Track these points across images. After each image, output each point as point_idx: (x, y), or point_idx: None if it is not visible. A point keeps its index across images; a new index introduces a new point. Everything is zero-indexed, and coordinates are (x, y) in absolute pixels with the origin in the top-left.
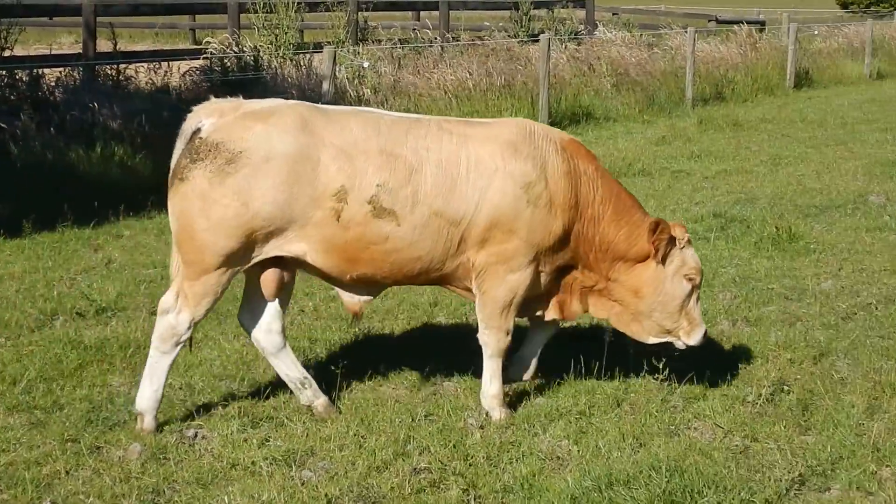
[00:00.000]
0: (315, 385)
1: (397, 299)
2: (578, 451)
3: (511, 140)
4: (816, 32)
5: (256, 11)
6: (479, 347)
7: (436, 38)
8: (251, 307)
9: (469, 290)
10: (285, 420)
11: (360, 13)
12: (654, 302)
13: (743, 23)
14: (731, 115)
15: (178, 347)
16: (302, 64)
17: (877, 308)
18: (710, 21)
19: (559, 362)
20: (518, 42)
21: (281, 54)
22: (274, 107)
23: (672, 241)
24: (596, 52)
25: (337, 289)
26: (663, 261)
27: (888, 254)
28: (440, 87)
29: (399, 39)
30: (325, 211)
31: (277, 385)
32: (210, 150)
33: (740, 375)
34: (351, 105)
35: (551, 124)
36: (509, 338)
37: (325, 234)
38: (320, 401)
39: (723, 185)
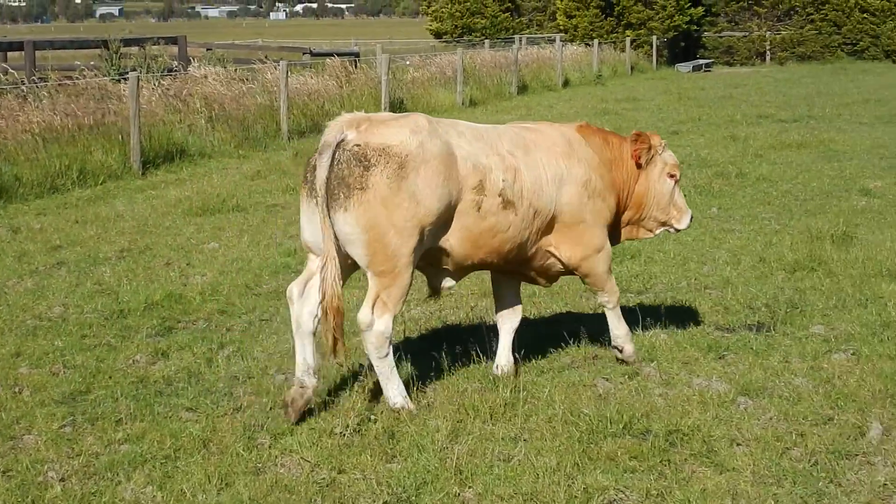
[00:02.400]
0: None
1: None
2: (163, 496)
3: (564, 151)
4: (408, 63)
5: None
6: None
7: (22, 80)
8: (307, 286)
9: (538, 273)
10: None
11: None
12: (651, 205)
13: (336, 55)
14: None
15: (391, 345)
16: None
17: (465, 332)
18: (304, 54)
19: (141, 406)
20: (110, 80)
21: None
22: (404, 115)
23: (650, 148)
24: (189, 87)
25: (427, 274)
26: (647, 166)
27: (476, 276)
28: (27, 129)
29: None
30: (467, 203)
31: None
32: (381, 155)
33: (328, 407)
34: None
35: (143, 163)
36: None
37: (466, 223)
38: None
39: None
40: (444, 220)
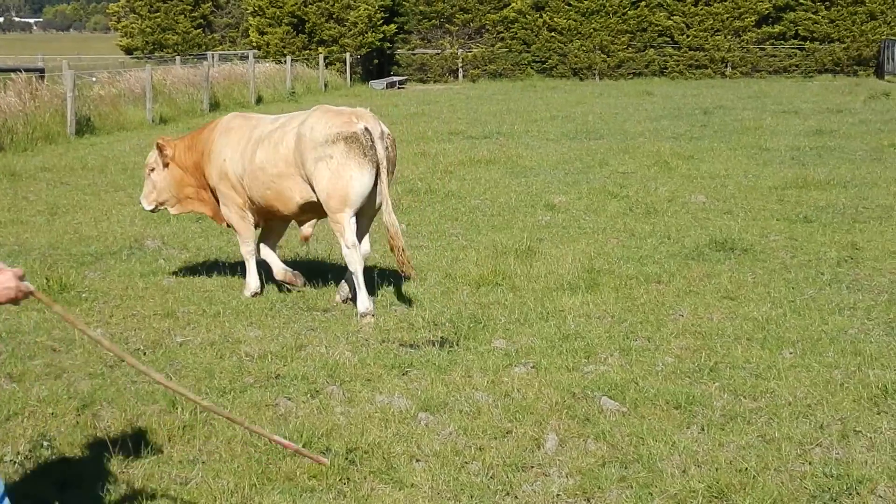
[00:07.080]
0: None
1: None
2: None
3: None
4: (95, 79)
5: None
6: None
7: None
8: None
9: None
10: None
11: None
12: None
13: (21, 70)
14: (9, 166)
15: None
16: None
17: (145, 353)
18: None
19: None
20: None
21: None
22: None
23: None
24: None
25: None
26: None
27: (160, 298)
28: None
29: None
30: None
31: None
32: (393, 141)
33: None
34: None
35: None
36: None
37: None
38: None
39: None
40: None
